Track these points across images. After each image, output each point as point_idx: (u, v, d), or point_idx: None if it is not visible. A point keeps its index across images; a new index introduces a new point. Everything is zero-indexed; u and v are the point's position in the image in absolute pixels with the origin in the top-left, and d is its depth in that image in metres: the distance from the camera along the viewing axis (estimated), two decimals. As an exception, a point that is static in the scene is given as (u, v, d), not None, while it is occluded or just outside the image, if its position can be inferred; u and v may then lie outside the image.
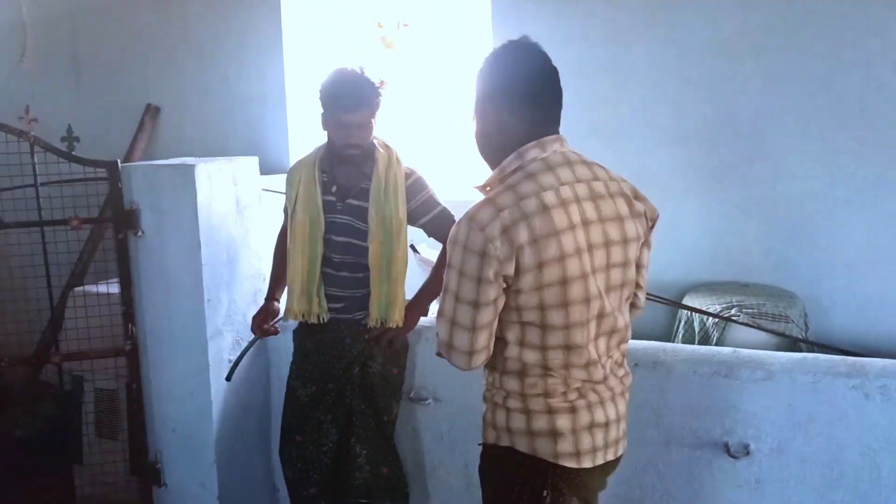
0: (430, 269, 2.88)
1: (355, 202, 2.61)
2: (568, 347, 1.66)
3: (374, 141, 2.61)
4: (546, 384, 1.70)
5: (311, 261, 2.64)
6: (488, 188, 1.72)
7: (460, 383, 2.87)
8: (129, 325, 2.92)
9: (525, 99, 1.69)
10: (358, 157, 2.58)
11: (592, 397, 1.73)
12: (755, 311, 2.93)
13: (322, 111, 2.55)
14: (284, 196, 2.75)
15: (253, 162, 3.14)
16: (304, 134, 4.17)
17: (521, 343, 1.68)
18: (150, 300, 2.94)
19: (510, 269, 1.60)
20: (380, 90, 2.55)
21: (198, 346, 2.88)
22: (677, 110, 3.56)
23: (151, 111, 4.40)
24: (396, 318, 2.65)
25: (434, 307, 2.93)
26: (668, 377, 2.59)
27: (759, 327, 2.84)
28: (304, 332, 2.76)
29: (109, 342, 3.04)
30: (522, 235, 1.58)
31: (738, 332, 2.93)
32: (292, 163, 4.11)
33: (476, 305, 1.61)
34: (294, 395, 2.76)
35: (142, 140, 4.37)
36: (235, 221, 3.02)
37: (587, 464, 1.72)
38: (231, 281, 3.02)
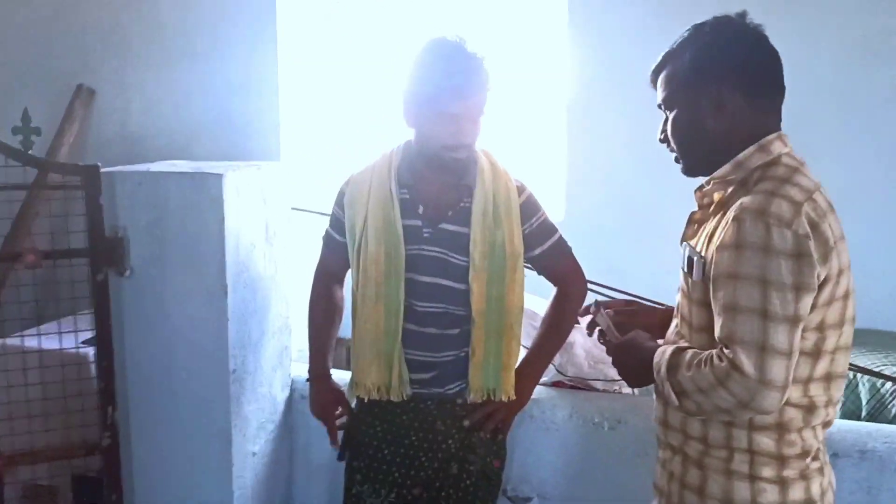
0: (535, 322, 2.26)
1: (451, 227, 2.00)
2: (829, 378, 1.50)
3: None
4: (804, 440, 1.51)
5: (391, 311, 1.99)
6: (714, 186, 1.55)
7: (575, 473, 2.32)
8: (109, 409, 2.12)
9: (765, 84, 1.54)
10: (463, 163, 1.99)
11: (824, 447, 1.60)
12: (941, 373, 2.49)
13: (410, 101, 1.94)
14: (332, 217, 2.11)
15: (283, 170, 2.41)
16: (301, 134, 3.43)
17: None
18: (140, 370, 2.15)
19: (823, 275, 1.41)
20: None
21: (220, 438, 2.14)
22: (798, 115, 3.10)
23: (83, 94, 3.53)
24: (509, 390, 2.06)
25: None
26: (882, 472, 2.12)
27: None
28: (373, 415, 2.09)
29: (71, 431, 2.21)
30: (829, 235, 1.42)
31: (919, 402, 2.48)
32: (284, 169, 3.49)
33: (795, 322, 1.38)
34: None
35: (69, 132, 3.49)
36: (265, 255, 2.28)
37: None
38: (259, 340, 2.28)
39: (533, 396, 2.23)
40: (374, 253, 2.00)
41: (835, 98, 3.12)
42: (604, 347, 2.35)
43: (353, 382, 2.08)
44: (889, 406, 2.50)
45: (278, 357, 2.42)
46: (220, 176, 2.03)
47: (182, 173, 2.06)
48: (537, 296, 2.33)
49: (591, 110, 3.09)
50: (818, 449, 1.54)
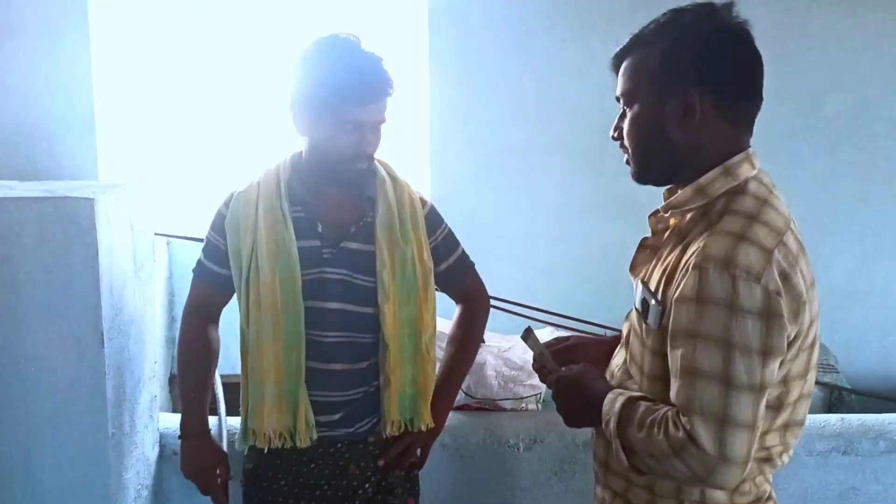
0: (440, 342, 2.17)
1: (354, 245, 1.86)
2: (787, 426, 1.41)
3: None
4: (757, 487, 1.42)
5: (291, 345, 1.82)
6: (671, 213, 1.42)
7: (492, 502, 2.22)
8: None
9: (743, 94, 1.38)
10: (366, 175, 1.86)
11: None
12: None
13: (303, 107, 1.78)
14: (207, 246, 1.90)
15: (148, 191, 2.08)
16: (125, 146, 3.03)
17: None
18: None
19: (793, 333, 1.30)
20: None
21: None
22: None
23: None
24: (427, 417, 1.95)
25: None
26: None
27: (825, 384, 2.61)
28: (275, 468, 1.89)
29: None
30: (801, 287, 1.29)
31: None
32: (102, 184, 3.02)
33: (761, 390, 1.26)
34: None
35: None
36: (135, 292, 1.96)
37: None
38: (133, 393, 1.96)
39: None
40: (268, 281, 1.80)
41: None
42: (516, 367, 2.31)
43: (249, 432, 1.86)
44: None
45: (149, 410, 2.10)
46: (91, 201, 1.69)
47: (40, 199, 1.69)
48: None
49: (454, 118, 3.04)
50: (770, 492, 1.48)
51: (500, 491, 2.25)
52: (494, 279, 2.03)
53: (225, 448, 2.02)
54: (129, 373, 1.92)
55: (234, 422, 2.06)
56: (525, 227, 3.20)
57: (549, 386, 1.62)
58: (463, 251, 2.04)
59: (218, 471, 1.90)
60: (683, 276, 1.29)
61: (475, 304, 2.10)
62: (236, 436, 1.93)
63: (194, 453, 1.89)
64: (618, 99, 1.45)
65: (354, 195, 1.87)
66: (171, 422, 2.22)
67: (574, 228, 3.19)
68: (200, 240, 1.94)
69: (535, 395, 2.36)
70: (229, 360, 2.00)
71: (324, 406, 1.86)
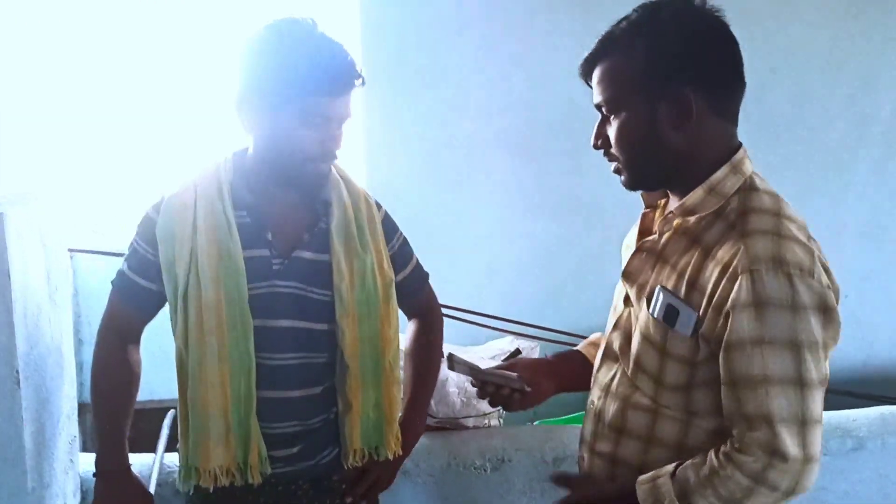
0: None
1: (308, 255, 1.68)
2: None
3: None
4: None
5: (239, 370, 1.61)
6: (683, 217, 1.34)
7: None
8: None
9: (731, 83, 1.33)
10: (325, 177, 1.67)
11: None
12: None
13: (257, 99, 1.58)
14: (132, 256, 1.65)
15: (59, 201, 1.83)
16: (9, 149, 2.72)
17: None
18: None
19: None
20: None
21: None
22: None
23: None
24: (395, 445, 1.78)
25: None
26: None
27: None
28: None
29: None
30: (835, 277, 1.31)
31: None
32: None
33: (824, 383, 1.27)
34: None
35: None
36: (50, 320, 1.72)
37: None
38: (52, 438, 1.72)
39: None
40: (211, 297, 1.59)
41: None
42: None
43: (190, 470, 1.63)
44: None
45: (69, 454, 1.85)
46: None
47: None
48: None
49: (389, 111, 2.88)
50: None
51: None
52: (435, 283, 1.90)
53: (152, 489, 1.79)
54: (47, 414, 1.67)
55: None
56: (466, 227, 3.07)
57: (493, 404, 1.58)
58: (418, 260, 1.89)
59: None
60: (722, 281, 1.24)
61: (432, 317, 1.94)
62: (176, 475, 1.71)
63: (110, 494, 1.65)
64: (598, 107, 1.36)
65: (307, 199, 1.69)
66: (93, 464, 1.98)
67: (518, 227, 3.09)
68: (113, 253, 1.70)
69: (498, 409, 2.24)
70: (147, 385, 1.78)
71: (280, 439, 1.67)
